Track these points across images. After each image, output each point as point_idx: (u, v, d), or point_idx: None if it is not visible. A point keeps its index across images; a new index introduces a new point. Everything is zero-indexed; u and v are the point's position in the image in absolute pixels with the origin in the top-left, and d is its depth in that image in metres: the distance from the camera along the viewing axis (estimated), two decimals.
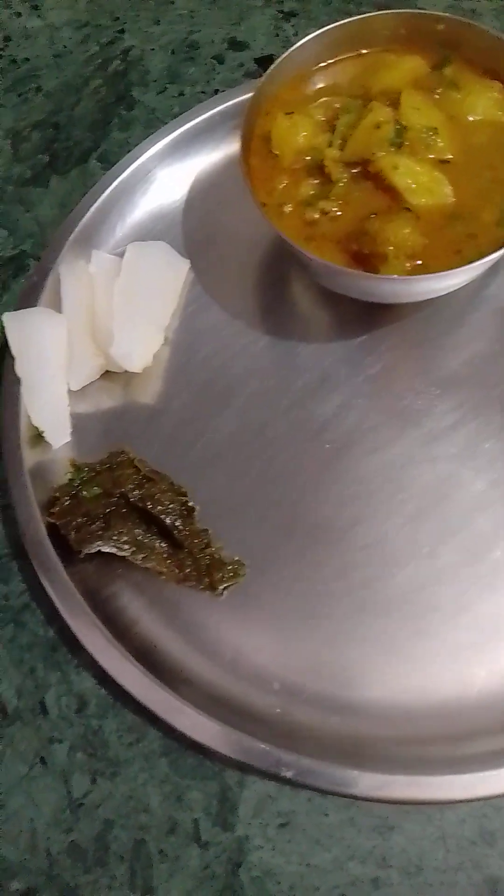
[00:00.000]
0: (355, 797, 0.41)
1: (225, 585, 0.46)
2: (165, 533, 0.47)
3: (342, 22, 0.50)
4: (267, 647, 0.45)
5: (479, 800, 0.41)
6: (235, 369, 0.52)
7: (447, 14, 0.49)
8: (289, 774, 0.41)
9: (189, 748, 0.45)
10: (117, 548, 0.46)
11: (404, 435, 0.50)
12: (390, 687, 0.44)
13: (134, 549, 0.46)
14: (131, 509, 0.47)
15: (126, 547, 0.46)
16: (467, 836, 0.43)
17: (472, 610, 0.45)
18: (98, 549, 0.46)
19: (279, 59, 0.49)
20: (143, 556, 0.46)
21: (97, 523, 0.46)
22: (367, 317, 0.52)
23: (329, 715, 0.44)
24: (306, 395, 0.51)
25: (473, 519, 0.48)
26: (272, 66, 0.48)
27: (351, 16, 0.62)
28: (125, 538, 0.46)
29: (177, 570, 0.46)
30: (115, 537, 0.46)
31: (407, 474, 0.49)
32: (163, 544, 0.47)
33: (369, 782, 0.41)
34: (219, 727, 0.42)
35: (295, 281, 0.54)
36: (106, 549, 0.46)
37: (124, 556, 0.46)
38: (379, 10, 0.60)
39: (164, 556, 0.47)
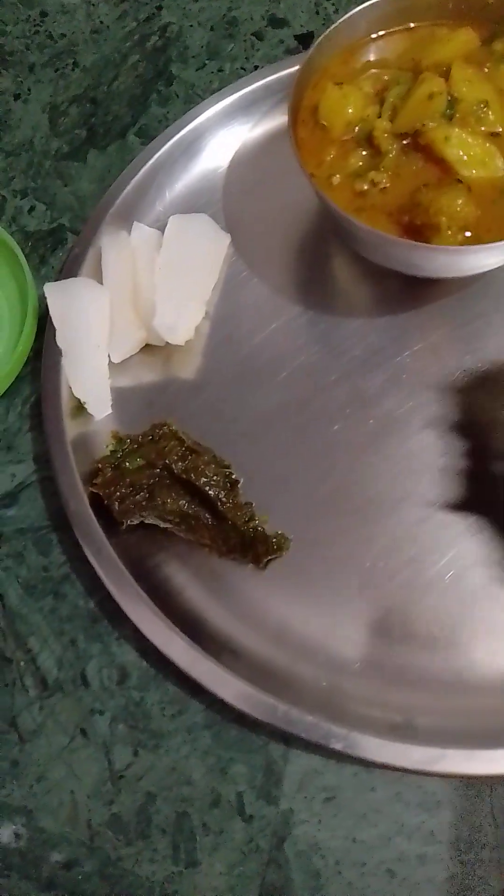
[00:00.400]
0: (407, 770, 0.40)
1: (269, 558, 0.46)
2: (209, 505, 0.46)
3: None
4: (313, 620, 0.45)
5: None
6: (278, 344, 0.52)
7: None
8: (339, 746, 0.40)
9: (232, 721, 0.44)
10: (161, 518, 0.46)
11: (450, 411, 0.49)
12: (442, 659, 0.44)
13: (178, 520, 0.46)
14: (175, 481, 0.46)
15: (170, 518, 0.46)
16: None
17: None
18: (141, 520, 0.46)
19: (329, 30, 0.48)
20: (186, 527, 0.46)
21: (141, 494, 0.46)
22: (412, 293, 0.52)
23: (379, 689, 0.43)
24: (351, 370, 0.51)
25: None
26: (321, 36, 0.48)
27: None
28: (169, 509, 0.46)
29: (221, 543, 0.46)
30: (158, 508, 0.46)
31: (454, 448, 0.48)
32: (207, 516, 0.46)
33: (421, 756, 0.40)
34: (266, 697, 0.42)
35: (337, 256, 0.53)
36: (150, 521, 0.46)
37: (167, 528, 0.46)
38: None
39: (208, 528, 0.46)
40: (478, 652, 0.44)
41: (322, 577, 0.46)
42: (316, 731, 0.41)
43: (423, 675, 0.43)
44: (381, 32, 0.51)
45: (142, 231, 0.53)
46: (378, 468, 0.48)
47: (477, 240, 0.45)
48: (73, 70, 0.62)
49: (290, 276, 0.53)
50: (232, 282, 0.53)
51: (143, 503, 0.45)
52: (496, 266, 0.48)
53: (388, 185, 0.46)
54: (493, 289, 0.51)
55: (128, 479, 0.46)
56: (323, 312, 0.52)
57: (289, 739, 0.43)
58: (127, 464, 0.46)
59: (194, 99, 0.60)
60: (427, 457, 0.48)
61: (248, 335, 0.52)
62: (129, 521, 0.46)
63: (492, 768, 0.40)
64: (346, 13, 0.49)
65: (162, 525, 0.46)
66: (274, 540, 0.46)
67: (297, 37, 0.61)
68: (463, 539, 0.46)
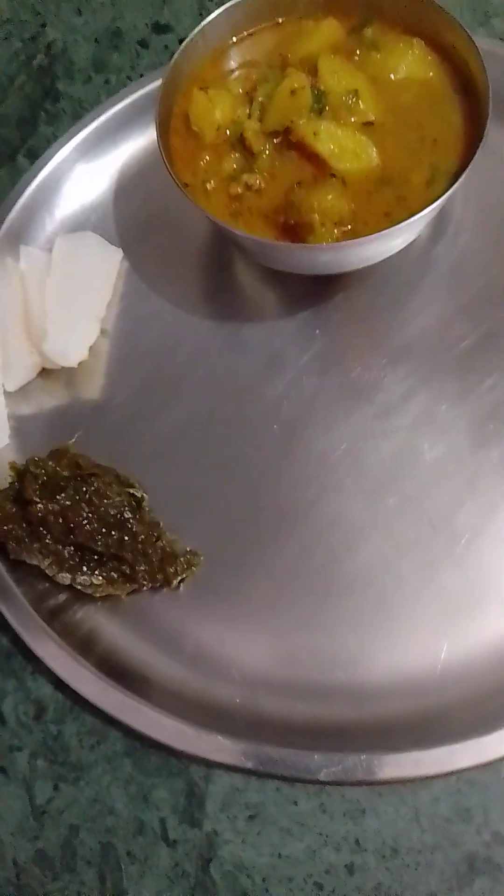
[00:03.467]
0: (322, 783, 0.40)
1: (180, 578, 0.45)
2: (111, 537, 0.45)
3: None
4: (228, 638, 0.44)
5: (451, 773, 0.40)
6: (180, 357, 0.51)
7: None
8: (250, 765, 0.40)
9: (152, 746, 0.43)
10: (43, 565, 0.45)
11: (357, 410, 0.48)
12: (356, 667, 0.43)
13: (65, 569, 0.44)
14: (72, 517, 0.45)
15: (52, 565, 0.44)
16: (442, 814, 0.41)
17: (435, 582, 0.44)
18: (30, 561, 0.45)
19: (192, 34, 0.47)
20: (74, 576, 0.44)
21: (31, 537, 0.44)
22: (312, 292, 0.51)
23: (292, 701, 0.42)
24: (255, 377, 0.50)
25: (431, 490, 0.46)
26: (185, 41, 0.47)
27: None
28: (52, 556, 0.44)
29: (124, 582, 0.45)
30: (43, 553, 0.44)
31: (362, 449, 0.47)
32: (101, 562, 0.45)
33: (336, 766, 0.39)
34: (177, 724, 0.41)
35: (234, 262, 0.53)
36: (47, 571, 0.45)
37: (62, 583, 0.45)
38: None
39: (106, 572, 0.45)
40: (391, 657, 0.43)
41: (236, 592, 0.45)
42: (228, 752, 0.40)
43: (337, 685, 0.42)
44: (249, 31, 0.50)
45: (30, 255, 0.52)
46: (286, 475, 0.47)
47: (354, 234, 0.44)
48: None
49: (189, 287, 0.52)
50: (129, 297, 0.53)
51: (39, 549, 0.44)
52: (385, 256, 0.48)
53: (263, 186, 0.46)
54: (392, 281, 0.50)
55: (26, 515, 0.45)
56: (224, 320, 0.52)
57: (208, 761, 0.42)
58: (26, 495, 0.45)
59: (82, 114, 0.58)
60: (332, 459, 0.47)
61: (149, 350, 0.51)
62: (21, 558, 0.45)
63: (409, 771, 0.39)
64: (210, 16, 0.48)
65: (59, 580, 0.45)
66: (184, 558, 0.45)
67: (181, 41, 0.60)
68: (376, 537, 0.45)
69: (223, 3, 0.61)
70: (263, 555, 0.46)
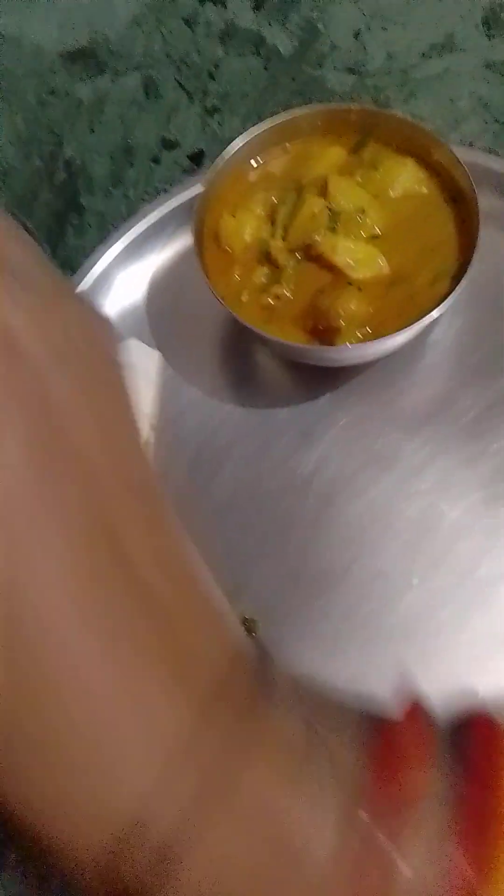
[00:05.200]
0: None
1: None
2: None
3: (267, 121, 0.56)
4: None
5: None
6: (219, 441, 0.57)
7: (357, 106, 0.56)
8: None
9: None
10: None
11: (381, 477, 0.55)
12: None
13: None
14: None
15: None
16: None
17: (469, 627, 0.51)
18: None
19: (215, 165, 0.54)
20: None
21: None
22: (331, 377, 0.58)
23: None
24: (288, 454, 0.56)
25: (455, 543, 0.53)
26: (209, 172, 0.54)
27: (267, 106, 0.69)
28: None
29: None
30: None
31: (390, 512, 0.54)
32: None
33: None
34: None
35: (259, 353, 0.59)
36: None
37: None
38: (290, 98, 0.67)
39: None
40: (434, 700, 0.49)
41: (288, 653, 0.51)
42: None
43: None
44: (262, 155, 0.57)
45: None
46: (324, 540, 0.54)
47: (376, 333, 0.51)
48: None
49: (220, 377, 0.59)
50: (167, 390, 0.59)
51: None
52: (398, 347, 0.55)
53: (290, 296, 0.52)
54: (401, 359, 0.57)
55: None
56: (254, 406, 0.58)
57: None
58: None
59: (106, 226, 0.65)
60: (364, 523, 0.54)
61: (191, 436, 0.58)
62: None
63: None
64: (231, 145, 0.55)
65: None
66: (244, 625, 0.51)
67: (189, 156, 0.68)
68: (411, 590, 0.52)
69: (222, 119, 0.69)
70: (311, 614, 0.52)
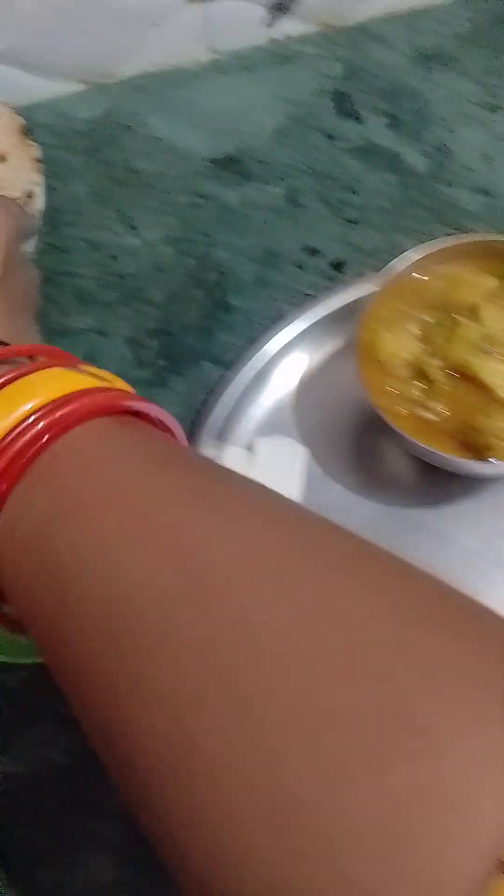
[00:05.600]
0: None
1: None
2: None
3: (430, 247, 0.61)
4: None
5: None
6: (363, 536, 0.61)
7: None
8: None
9: None
10: None
11: None
12: None
13: None
14: None
15: None
16: None
17: None
18: None
19: (375, 288, 0.60)
20: None
21: None
22: (469, 482, 0.62)
23: None
24: (427, 557, 0.60)
25: None
26: (372, 294, 0.59)
27: (402, 220, 0.75)
28: None
29: None
30: None
31: None
32: None
33: None
34: None
35: (399, 457, 0.64)
36: None
37: None
38: (425, 215, 0.72)
39: None
40: None
41: None
42: None
43: None
44: (415, 275, 0.62)
45: (233, 453, 0.63)
46: None
47: None
48: (144, 306, 0.74)
49: (359, 477, 0.63)
50: (311, 486, 0.63)
51: None
52: None
53: (444, 411, 0.57)
54: None
55: None
56: (391, 505, 0.62)
57: None
58: None
59: (254, 326, 0.71)
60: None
61: None
62: None
63: None
64: (394, 265, 0.61)
65: None
66: None
67: (331, 264, 0.73)
68: None
69: (361, 230, 0.75)
70: None
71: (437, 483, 0.62)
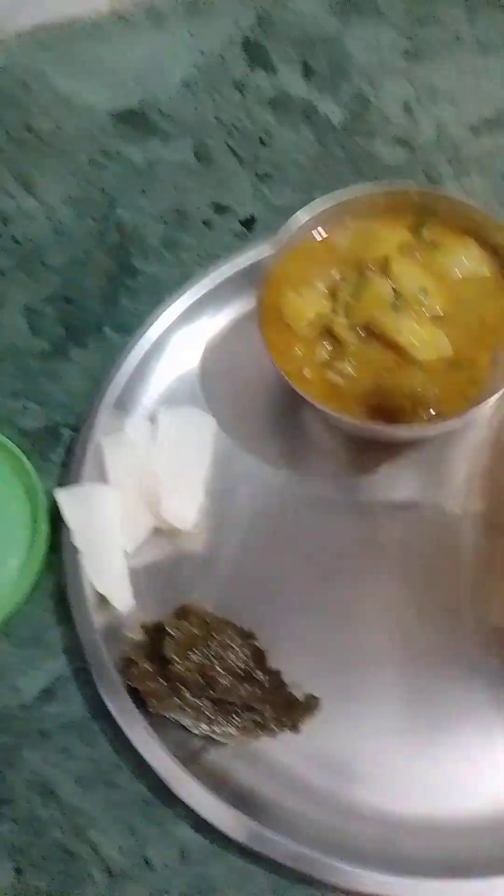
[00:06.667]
0: None
1: (303, 722, 0.50)
2: (245, 689, 0.50)
3: (330, 200, 0.57)
4: (353, 774, 0.50)
5: None
6: (274, 509, 0.57)
7: (417, 187, 0.57)
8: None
9: (297, 881, 0.48)
10: (182, 720, 0.50)
11: (441, 550, 0.55)
12: (489, 795, 0.49)
13: (203, 721, 0.49)
14: (209, 673, 0.50)
15: (191, 719, 0.49)
16: None
17: None
18: (170, 715, 0.50)
19: (279, 241, 0.55)
20: (212, 727, 0.49)
21: (170, 692, 0.49)
22: (386, 448, 0.58)
23: (431, 837, 0.48)
24: (341, 527, 0.56)
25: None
26: (275, 249, 0.55)
27: (318, 175, 0.70)
28: (192, 710, 0.49)
29: (257, 730, 0.50)
30: (183, 708, 0.49)
31: (455, 590, 0.54)
32: (236, 713, 0.50)
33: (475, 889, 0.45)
34: (326, 859, 0.46)
35: (313, 423, 0.60)
36: (185, 723, 0.50)
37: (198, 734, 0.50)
38: (341, 169, 0.68)
39: (240, 722, 0.50)
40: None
41: (351, 730, 0.51)
42: (374, 883, 0.45)
43: (474, 813, 0.48)
44: (324, 232, 0.58)
45: (136, 425, 0.58)
46: (386, 614, 0.54)
47: (439, 413, 0.52)
48: (42, 271, 0.68)
49: (274, 446, 0.59)
50: (222, 458, 0.59)
51: (178, 704, 0.49)
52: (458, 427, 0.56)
53: (353, 373, 0.53)
54: (454, 436, 0.58)
55: (163, 671, 0.50)
56: (308, 475, 0.58)
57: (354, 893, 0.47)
58: (164, 653, 0.50)
59: (159, 290, 0.66)
60: (434, 594, 0.54)
61: (246, 505, 0.58)
62: (165, 715, 0.50)
63: None
64: (294, 219, 0.56)
65: (196, 731, 0.50)
66: (306, 703, 0.51)
67: (241, 222, 0.69)
68: (466, 669, 0.52)
69: (273, 185, 0.70)
70: (373, 689, 0.52)
71: (353, 450, 0.59)
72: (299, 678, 0.52)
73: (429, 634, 0.53)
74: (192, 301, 0.62)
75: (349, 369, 0.53)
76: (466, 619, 0.53)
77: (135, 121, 0.74)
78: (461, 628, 0.53)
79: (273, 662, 0.52)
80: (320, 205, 0.57)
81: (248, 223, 0.69)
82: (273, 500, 0.58)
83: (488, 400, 0.51)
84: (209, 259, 0.66)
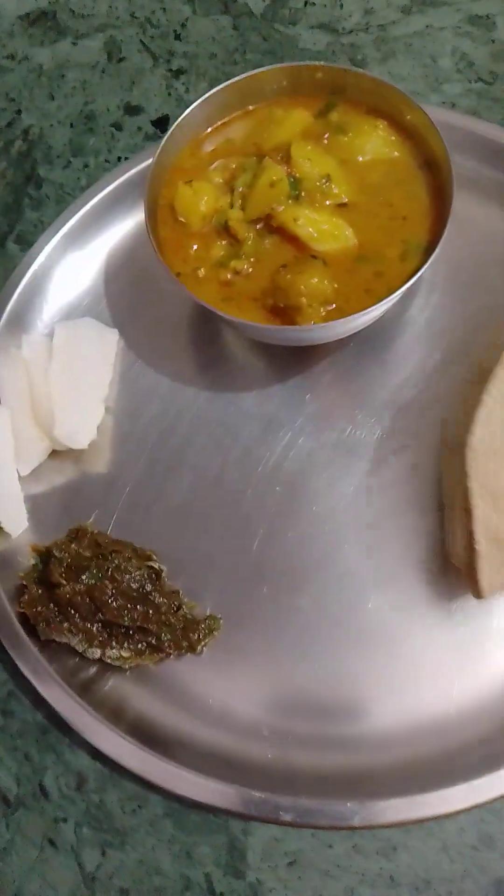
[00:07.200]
0: (356, 828, 0.43)
1: (203, 643, 0.48)
2: (136, 610, 0.47)
3: (227, 83, 0.51)
4: (253, 695, 0.47)
5: (475, 808, 0.43)
6: (181, 427, 0.54)
7: (324, 64, 0.51)
8: (288, 818, 0.43)
9: (192, 806, 0.46)
10: (73, 643, 0.47)
11: (351, 467, 0.51)
12: (377, 714, 0.46)
13: (95, 645, 0.47)
14: (98, 596, 0.47)
15: (82, 643, 0.47)
16: (468, 842, 0.45)
17: (440, 626, 0.47)
18: (60, 640, 0.47)
19: (169, 131, 0.50)
20: (104, 651, 0.47)
21: (60, 617, 0.47)
22: (299, 359, 0.54)
23: (322, 752, 0.45)
24: (253, 441, 0.53)
25: (429, 539, 0.49)
26: (164, 139, 0.50)
27: (236, 68, 0.64)
28: (81, 634, 0.47)
29: (151, 652, 0.47)
30: (72, 632, 0.47)
31: (361, 505, 0.51)
32: (129, 636, 0.47)
33: (368, 812, 0.42)
34: (215, 784, 0.44)
35: (223, 335, 0.56)
36: (77, 647, 0.47)
37: (92, 658, 0.47)
38: (261, 59, 0.63)
39: (133, 644, 0.47)
40: (408, 702, 0.46)
41: (255, 651, 0.48)
42: (265, 806, 0.43)
43: (363, 733, 0.45)
44: (223, 120, 0.53)
45: (31, 342, 0.54)
46: (292, 533, 0.50)
47: (339, 311, 0.47)
48: None
49: (182, 360, 0.55)
50: (128, 375, 0.55)
51: (68, 628, 0.47)
52: (367, 325, 0.51)
53: (250, 270, 0.49)
54: (374, 341, 0.54)
55: (52, 596, 0.47)
56: (218, 390, 0.55)
57: (246, 816, 0.45)
58: (51, 578, 0.48)
59: (65, 199, 0.61)
60: (334, 516, 0.50)
61: (152, 423, 0.54)
62: (53, 638, 0.47)
63: (436, 809, 0.42)
64: (184, 112, 0.51)
65: (89, 656, 0.47)
66: (204, 624, 0.48)
67: (153, 122, 0.63)
68: (382, 587, 0.49)
69: (188, 82, 0.64)
70: (279, 613, 0.49)
71: (265, 361, 0.55)
72: (203, 599, 0.49)
73: (341, 553, 0.50)
74: (91, 206, 0.57)
75: (246, 267, 0.49)
76: (379, 539, 0.50)
77: (43, 22, 0.69)
78: (373, 547, 0.50)
79: (177, 584, 0.49)
80: (217, 91, 0.52)
81: (161, 123, 0.64)
82: (181, 416, 0.54)
83: (394, 296, 0.46)
84: (118, 164, 0.62)
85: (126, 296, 0.57)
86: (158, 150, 0.50)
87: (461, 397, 0.51)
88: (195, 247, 0.50)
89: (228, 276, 0.49)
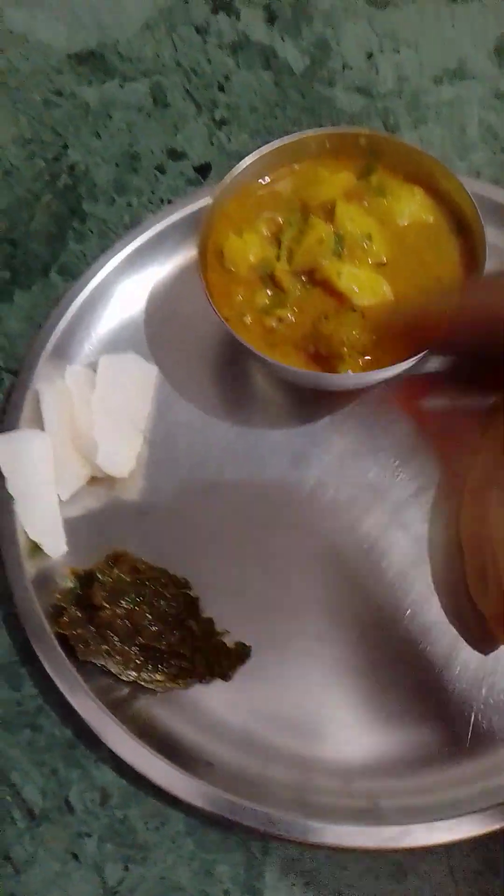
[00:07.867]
0: (371, 851, 0.45)
1: (234, 670, 0.50)
2: (173, 636, 0.50)
3: (278, 142, 0.55)
4: (279, 723, 0.49)
5: (483, 836, 0.46)
6: (213, 460, 0.56)
7: (367, 130, 0.55)
8: (314, 840, 0.45)
9: (212, 825, 0.48)
10: (109, 665, 0.49)
11: (375, 506, 0.55)
12: (398, 745, 0.49)
13: (131, 668, 0.49)
14: (138, 620, 0.49)
15: (119, 665, 0.49)
16: (473, 867, 0.47)
17: (459, 661, 0.50)
18: (97, 661, 0.49)
19: (225, 181, 0.54)
20: (139, 674, 0.49)
21: (98, 639, 0.49)
22: (328, 399, 0.57)
23: (344, 778, 0.48)
24: (281, 478, 0.56)
25: (449, 575, 0.53)
26: (218, 189, 0.53)
27: (275, 122, 0.68)
28: (119, 656, 0.49)
29: (184, 677, 0.49)
30: (110, 654, 0.49)
31: (384, 542, 0.54)
32: (164, 660, 0.49)
33: (384, 836, 0.45)
34: (237, 801, 0.46)
35: (255, 374, 0.59)
36: (112, 670, 0.49)
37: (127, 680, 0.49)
38: (299, 115, 0.66)
39: (168, 668, 0.49)
40: (431, 732, 0.49)
41: (283, 680, 0.50)
42: (291, 827, 0.45)
43: (385, 763, 0.48)
44: (269, 175, 0.56)
45: (75, 372, 0.57)
46: (319, 568, 0.53)
47: (376, 362, 0.51)
48: None
49: (216, 396, 0.58)
50: (163, 408, 0.58)
51: (106, 650, 0.49)
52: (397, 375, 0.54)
53: (293, 319, 0.52)
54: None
55: (92, 618, 0.49)
56: (249, 426, 0.57)
57: (266, 835, 0.47)
58: (92, 600, 0.50)
59: (108, 234, 0.64)
60: (360, 553, 0.53)
61: (185, 454, 0.57)
62: (91, 659, 0.49)
63: (451, 836, 0.45)
64: (240, 163, 0.55)
65: (124, 678, 0.49)
66: (236, 652, 0.50)
67: (195, 168, 0.67)
68: (407, 625, 0.52)
69: (230, 132, 0.68)
70: (309, 644, 0.51)
71: (295, 400, 0.58)
72: (232, 627, 0.51)
73: (371, 592, 0.53)
74: (138, 246, 0.60)
75: (289, 315, 0.52)
76: (403, 576, 0.53)
77: (92, 62, 0.72)
78: (398, 584, 0.53)
79: (207, 611, 0.52)
80: (268, 149, 0.55)
81: (203, 170, 0.67)
82: (212, 449, 0.57)
83: (427, 349, 0.50)
84: (159, 204, 0.65)
85: (165, 333, 0.60)
86: (211, 201, 0.53)
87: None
88: (241, 294, 0.53)
89: (272, 324, 0.52)
